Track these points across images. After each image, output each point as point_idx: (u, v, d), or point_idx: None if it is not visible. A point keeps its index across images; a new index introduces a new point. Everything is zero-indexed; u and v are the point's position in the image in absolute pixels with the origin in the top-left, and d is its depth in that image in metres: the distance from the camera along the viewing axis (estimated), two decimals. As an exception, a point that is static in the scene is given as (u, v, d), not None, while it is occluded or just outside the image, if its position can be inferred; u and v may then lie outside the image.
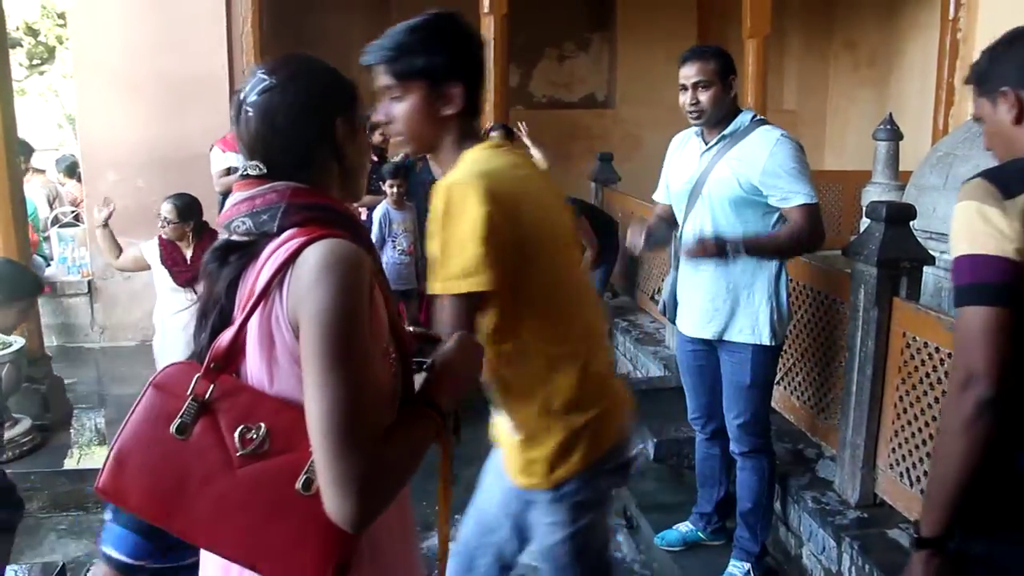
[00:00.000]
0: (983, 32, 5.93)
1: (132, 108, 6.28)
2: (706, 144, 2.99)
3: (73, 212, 7.67)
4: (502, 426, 1.97)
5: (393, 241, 5.58)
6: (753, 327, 2.96)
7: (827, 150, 9.76)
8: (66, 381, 5.33)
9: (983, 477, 1.52)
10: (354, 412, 1.17)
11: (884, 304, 3.05)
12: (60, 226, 7.20)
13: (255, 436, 1.22)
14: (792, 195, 2.82)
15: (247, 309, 1.25)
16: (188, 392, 1.25)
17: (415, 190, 6.17)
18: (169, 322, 4.53)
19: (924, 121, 7.24)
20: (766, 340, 2.96)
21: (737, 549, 3.22)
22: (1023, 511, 1.55)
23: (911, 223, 3.18)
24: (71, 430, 4.87)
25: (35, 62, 16.29)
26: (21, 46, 15.54)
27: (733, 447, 3.16)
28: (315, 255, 1.21)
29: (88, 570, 3.67)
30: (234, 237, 1.32)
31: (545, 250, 1.81)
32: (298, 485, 1.21)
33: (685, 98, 2.93)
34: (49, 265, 6.96)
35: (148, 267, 4.55)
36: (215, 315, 1.32)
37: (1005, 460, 1.53)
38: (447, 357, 1.42)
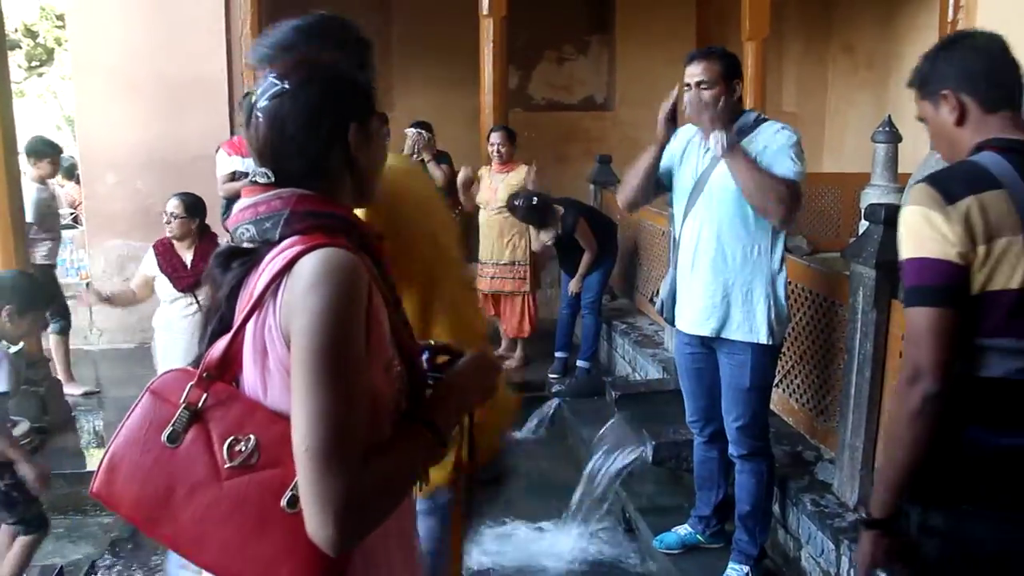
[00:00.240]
0: (982, 35, 5.92)
1: (131, 110, 6.28)
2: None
3: (72, 214, 7.67)
4: None
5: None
6: (751, 325, 2.96)
7: (826, 152, 9.75)
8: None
9: (943, 454, 1.65)
10: (340, 429, 1.13)
11: (883, 306, 3.05)
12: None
13: (243, 448, 1.20)
14: (780, 167, 2.82)
15: (243, 318, 1.23)
16: (181, 400, 1.23)
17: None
18: (171, 327, 4.52)
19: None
20: (763, 339, 2.96)
21: (736, 552, 3.22)
22: (981, 485, 1.65)
23: (910, 225, 3.17)
24: (70, 432, 4.87)
25: (34, 64, 16.30)
26: (20, 48, 15.55)
27: (732, 450, 3.16)
28: (310, 264, 1.17)
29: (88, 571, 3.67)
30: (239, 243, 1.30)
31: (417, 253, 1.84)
32: (283, 502, 1.18)
33: (688, 97, 2.93)
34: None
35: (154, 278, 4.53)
36: (215, 322, 1.29)
37: (961, 437, 1.64)
38: (457, 374, 1.39)
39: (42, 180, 5.56)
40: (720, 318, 2.99)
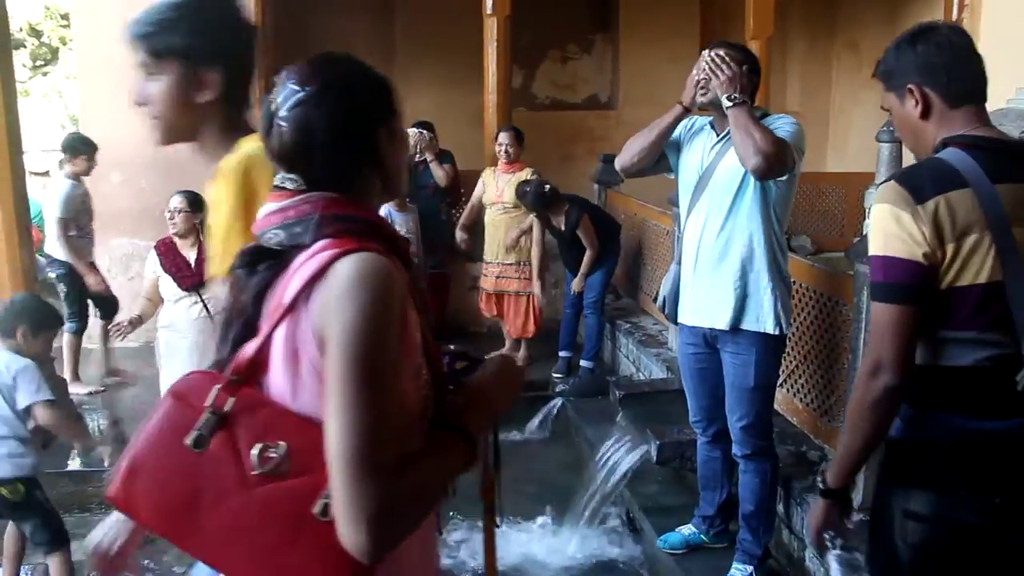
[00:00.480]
0: (986, 33, 5.91)
1: (136, 109, 6.28)
2: (718, 135, 3.00)
3: (76, 213, 7.68)
4: None
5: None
6: (757, 315, 2.97)
7: (830, 151, 9.73)
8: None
9: (923, 441, 1.76)
10: (375, 437, 1.12)
11: (887, 306, 3.04)
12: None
13: (274, 455, 1.17)
14: (776, 132, 2.82)
15: (274, 321, 1.21)
16: (207, 404, 1.20)
17: (416, 192, 6.18)
18: (176, 326, 4.52)
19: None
20: (770, 328, 2.96)
21: (740, 552, 3.21)
22: (959, 470, 1.72)
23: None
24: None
25: (38, 63, 16.32)
26: (25, 47, 15.58)
27: (735, 450, 3.15)
28: (345, 269, 1.16)
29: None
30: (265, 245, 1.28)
31: None
32: (315, 509, 1.15)
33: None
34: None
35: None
36: (239, 325, 1.27)
37: (938, 424, 1.74)
38: (484, 380, 1.37)
39: (76, 176, 5.57)
40: (730, 311, 2.99)
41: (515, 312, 5.92)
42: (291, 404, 1.21)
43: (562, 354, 5.94)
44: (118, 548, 1.57)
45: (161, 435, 1.22)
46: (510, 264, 5.84)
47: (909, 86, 1.78)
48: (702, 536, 3.48)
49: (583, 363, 5.81)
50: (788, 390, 3.89)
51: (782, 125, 2.90)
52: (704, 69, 2.88)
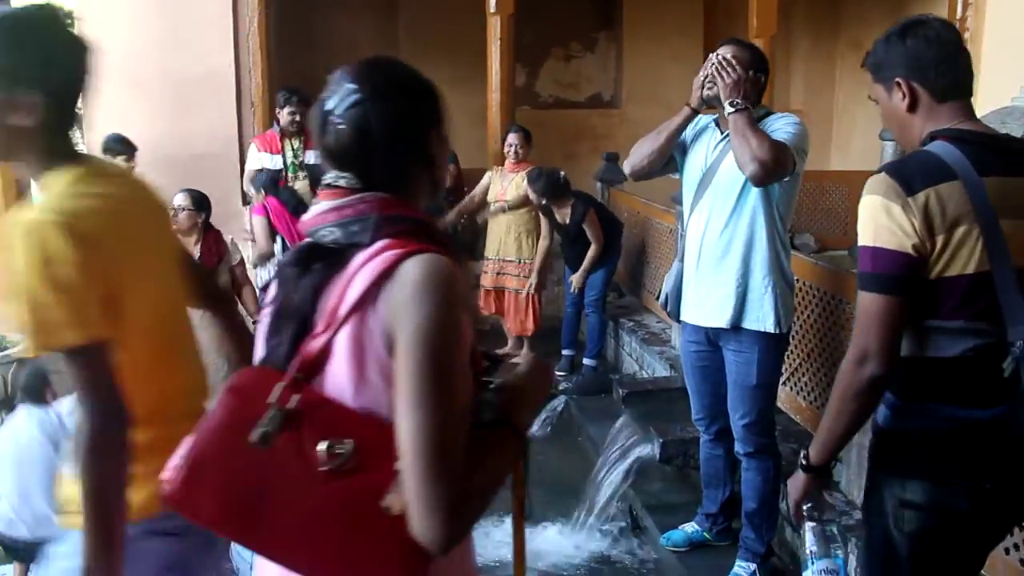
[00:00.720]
0: (991, 32, 5.90)
1: (138, 107, 6.29)
2: (722, 133, 3.00)
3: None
4: None
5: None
6: (759, 315, 2.97)
7: (833, 150, 9.73)
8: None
9: (917, 430, 1.80)
10: (447, 434, 1.15)
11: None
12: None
13: (341, 451, 1.18)
14: (776, 134, 2.83)
15: (339, 320, 1.21)
16: (271, 401, 1.19)
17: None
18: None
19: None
20: (771, 327, 2.96)
21: (743, 549, 3.21)
22: (952, 458, 1.76)
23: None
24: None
25: (42, 62, 16.31)
26: (28, 46, 15.58)
27: (738, 447, 3.15)
28: (415, 270, 1.18)
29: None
30: (318, 244, 1.29)
31: (138, 299, 1.61)
32: (383, 504, 1.17)
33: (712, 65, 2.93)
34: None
35: None
36: (296, 323, 1.27)
37: (931, 414, 1.78)
38: (521, 380, 1.40)
39: None
40: (731, 309, 2.99)
41: (515, 309, 5.92)
42: (351, 401, 1.22)
43: (565, 352, 5.94)
44: None
45: (224, 433, 1.23)
46: (510, 261, 5.85)
47: (897, 79, 1.81)
48: (705, 534, 3.48)
49: (586, 361, 5.81)
50: (791, 388, 3.88)
51: (784, 126, 2.90)
52: (709, 70, 2.90)
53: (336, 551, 1.19)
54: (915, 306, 1.73)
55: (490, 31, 6.55)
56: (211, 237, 4.62)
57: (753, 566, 3.17)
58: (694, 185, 3.07)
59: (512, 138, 5.85)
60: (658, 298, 3.61)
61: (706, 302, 3.05)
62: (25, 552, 3.10)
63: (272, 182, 5.38)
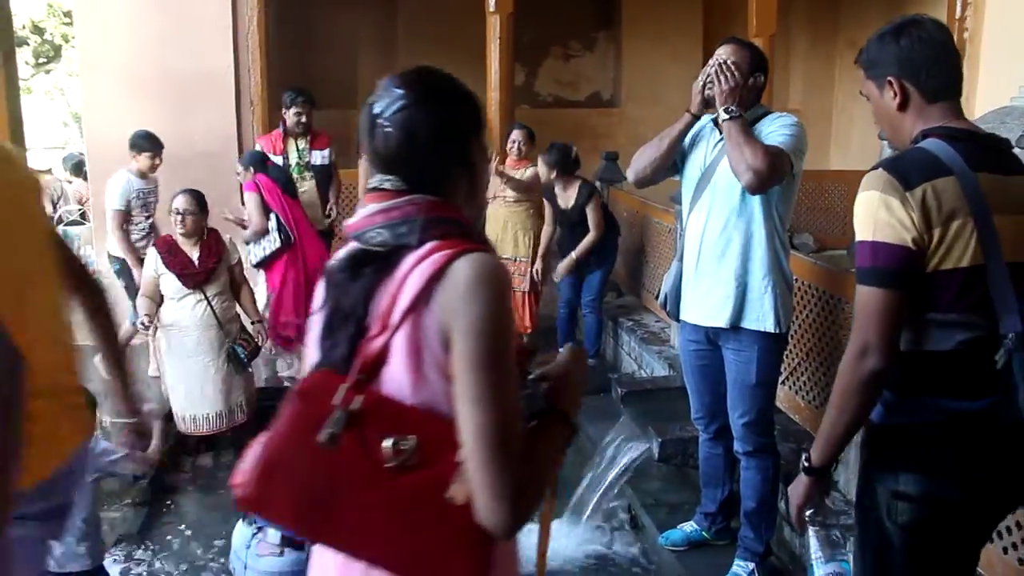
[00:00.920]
0: (990, 31, 5.90)
1: (138, 106, 6.29)
2: (720, 133, 3.00)
3: (79, 210, 7.69)
4: None
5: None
6: (758, 315, 2.97)
7: (832, 149, 9.74)
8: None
9: (910, 424, 1.81)
10: (508, 424, 1.21)
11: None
12: (66, 224, 7.22)
13: (405, 448, 1.23)
14: (771, 139, 2.83)
15: (396, 321, 1.25)
16: (335, 402, 1.25)
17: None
18: (179, 324, 4.53)
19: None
20: (770, 327, 2.96)
21: (741, 549, 3.22)
22: (947, 449, 1.79)
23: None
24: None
25: (41, 60, 16.35)
26: (27, 44, 15.60)
27: (737, 446, 3.16)
28: (467, 269, 1.23)
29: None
30: (366, 247, 1.33)
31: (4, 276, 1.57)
32: (448, 495, 1.23)
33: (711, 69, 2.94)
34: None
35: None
36: (351, 326, 1.31)
37: (925, 406, 1.79)
38: (565, 369, 1.47)
39: (141, 174, 5.55)
40: (730, 309, 2.99)
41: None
42: (410, 399, 1.26)
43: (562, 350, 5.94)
44: None
45: (293, 434, 1.29)
46: (507, 259, 5.84)
47: (889, 78, 1.84)
48: (704, 533, 3.48)
49: (585, 360, 5.80)
50: (790, 387, 3.89)
51: (780, 128, 2.89)
52: (709, 74, 2.91)
53: (407, 542, 1.25)
54: (914, 300, 1.74)
55: (489, 30, 6.55)
56: (210, 237, 4.62)
57: (752, 565, 3.18)
58: (693, 184, 3.07)
59: (516, 135, 5.85)
60: (657, 297, 3.61)
61: (705, 301, 3.06)
62: None
63: (259, 160, 5.33)
